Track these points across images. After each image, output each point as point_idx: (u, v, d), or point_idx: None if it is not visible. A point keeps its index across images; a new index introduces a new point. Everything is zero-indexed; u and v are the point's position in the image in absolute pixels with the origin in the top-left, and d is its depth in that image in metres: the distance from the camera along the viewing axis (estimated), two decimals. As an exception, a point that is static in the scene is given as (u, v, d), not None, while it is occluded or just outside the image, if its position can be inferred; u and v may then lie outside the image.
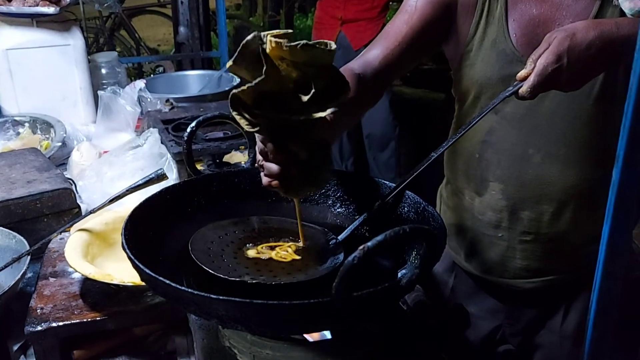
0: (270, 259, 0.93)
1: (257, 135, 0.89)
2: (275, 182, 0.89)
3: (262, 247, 0.96)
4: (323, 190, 1.15)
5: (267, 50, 0.78)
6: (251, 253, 0.95)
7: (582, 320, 1.28)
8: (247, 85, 0.78)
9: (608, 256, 0.67)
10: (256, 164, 0.93)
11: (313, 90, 0.79)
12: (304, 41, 0.77)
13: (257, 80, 0.78)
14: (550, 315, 1.32)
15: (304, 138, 0.85)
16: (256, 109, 0.80)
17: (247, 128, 0.82)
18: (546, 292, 1.29)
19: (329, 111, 0.80)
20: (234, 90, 0.80)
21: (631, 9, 0.99)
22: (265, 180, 0.91)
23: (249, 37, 0.78)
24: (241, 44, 0.78)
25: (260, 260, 0.93)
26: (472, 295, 1.39)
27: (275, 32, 0.80)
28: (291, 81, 0.81)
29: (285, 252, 0.95)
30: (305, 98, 0.79)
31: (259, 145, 0.90)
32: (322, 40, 0.79)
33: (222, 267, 0.90)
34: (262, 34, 0.80)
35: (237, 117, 0.81)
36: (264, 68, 0.77)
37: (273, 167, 0.88)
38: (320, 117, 0.81)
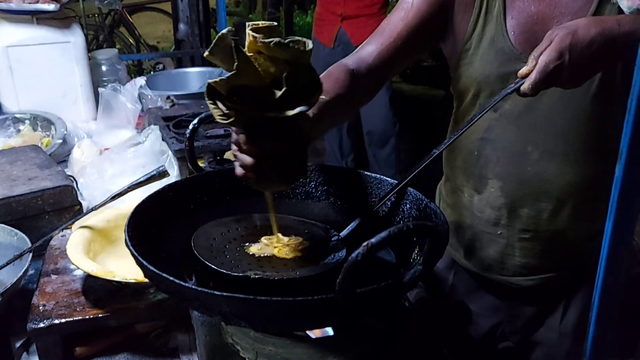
0: (273, 255, 0.94)
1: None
2: (248, 174, 0.89)
3: (264, 244, 0.96)
4: (325, 187, 1.15)
5: (247, 43, 0.78)
6: (254, 249, 0.95)
7: (581, 317, 1.28)
8: (219, 78, 0.78)
9: (610, 253, 0.67)
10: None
11: (284, 88, 0.79)
12: (278, 39, 0.76)
13: (228, 75, 0.78)
14: (550, 313, 1.32)
15: (277, 133, 0.84)
16: (230, 101, 0.80)
17: (220, 119, 0.81)
18: (545, 289, 1.29)
19: (298, 110, 0.80)
20: (209, 80, 0.80)
21: (629, 7, 0.99)
22: (238, 170, 0.90)
23: (224, 31, 0.78)
24: (217, 36, 0.78)
25: (262, 256, 0.93)
26: (472, 293, 1.39)
27: (259, 23, 0.80)
28: (269, 75, 0.80)
29: (287, 248, 0.95)
30: (277, 94, 0.79)
31: (233, 136, 0.89)
32: (298, 39, 0.78)
33: (225, 263, 0.90)
34: (247, 24, 0.80)
35: (212, 107, 0.81)
36: (235, 64, 0.77)
37: (246, 158, 0.87)
38: (290, 115, 0.80)
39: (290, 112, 0.80)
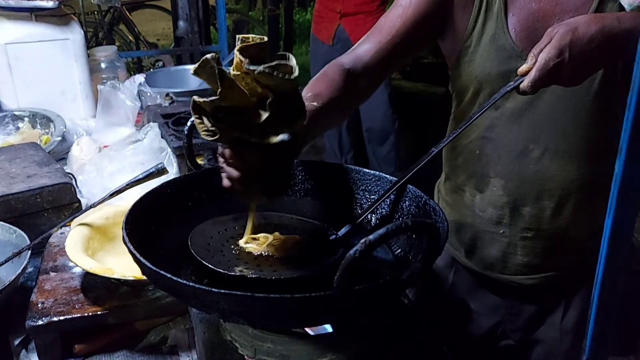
0: (271, 254, 0.93)
1: None
2: (234, 186, 0.89)
3: (262, 243, 0.96)
4: (324, 184, 1.15)
5: (234, 62, 0.79)
6: (251, 248, 0.95)
7: (583, 316, 1.28)
8: (203, 100, 0.79)
9: (610, 249, 0.67)
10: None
11: (267, 114, 0.79)
12: (262, 68, 0.76)
13: (212, 99, 0.79)
14: (551, 311, 1.32)
15: (261, 151, 0.85)
16: (215, 119, 0.81)
17: (204, 135, 0.82)
18: (547, 288, 1.29)
19: (279, 138, 0.80)
20: (195, 98, 0.80)
21: (630, 4, 0.99)
22: (225, 182, 0.90)
23: (207, 56, 0.78)
24: (201, 59, 0.78)
25: (260, 255, 0.93)
26: (472, 292, 1.39)
27: (250, 37, 0.79)
28: (255, 94, 0.80)
29: (285, 247, 0.95)
30: (263, 116, 0.80)
31: (219, 149, 0.90)
32: (285, 64, 0.77)
33: (222, 262, 0.90)
34: (237, 37, 0.80)
35: (197, 123, 0.82)
36: (219, 89, 0.77)
37: (232, 171, 0.88)
38: (271, 143, 0.81)
39: (272, 140, 0.81)
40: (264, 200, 0.95)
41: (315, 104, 1.00)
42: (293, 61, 0.78)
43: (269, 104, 0.79)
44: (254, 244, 0.95)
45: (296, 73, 0.78)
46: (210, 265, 0.87)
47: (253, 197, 0.93)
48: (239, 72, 0.79)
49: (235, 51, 0.79)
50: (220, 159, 0.90)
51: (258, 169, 0.86)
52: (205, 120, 0.81)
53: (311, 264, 0.91)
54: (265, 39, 0.80)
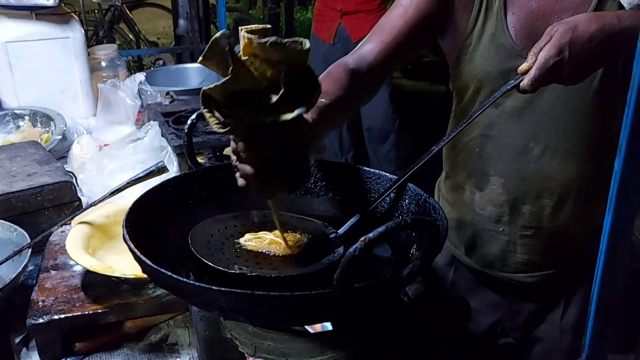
0: (271, 252, 0.93)
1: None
2: (251, 183, 0.87)
3: (262, 241, 0.96)
4: (324, 183, 1.15)
5: (242, 46, 0.77)
6: (251, 246, 0.95)
7: (582, 314, 1.28)
8: (214, 84, 0.77)
9: (610, 246, 0.67)
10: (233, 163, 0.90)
11: (282, 91, 0.77)
12: (274, 38, 0.75)
13: (223, 80, 0.76)
14: (551, 309, 1.32)
15: (277, 138, 0.82)
16: (227, 107, 0.78)
17: (216, 128, 0.79)
18: (546, 286, 1.29)
19: (296, 112, 0.78)
20: (204, 87, 0.78)
21: (630, 2, 0.99)
22: (240, 181, 0.88)
23: (217, 34, 0.76)
24: (210, 40, 0.76)
25: (260, 253, 0.93)
26: (472, 290, 1.39)
27: (252, 26, 0.78)
28: (265, 79, 0.78)
29: (285, 245, 0.95)
30: (274, 98, 0.77)
31: (232, 145, 0.88)
32: (295, 39, 0.76)
33: (222, 260, 0.90)
34: (240, 28, 0.78)
35: (208, 116, 0.79)
36: (231, 67, 0.75)
37: (247, 168, 0.85)
38: (289, 119, 0.78)
39: (289, 116, 0.78)
40: (285, 193, 0.92)
41: (323, 100, 1.00)
42: (304, 39, 0.77)
43: (282, 79, 0.77)
44: (254, 242, 0.95)
45: (308, 46, 0.76)
46: (210, 263, 0.87)
47: (273, 192, 0.90)
48: (247, 57, 0.77)
49: (243, 32, 0.76)
50: (233, 157, 0.88)
51: (275, 157, 0.83)
52: (216, 113, 0.79)
53: (311, 262, 0.91)
54: (269, 26, 0.79)
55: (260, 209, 1.06)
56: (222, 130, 0.80)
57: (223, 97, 0.78)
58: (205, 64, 0.79)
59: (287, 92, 0.77)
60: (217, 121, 0.79)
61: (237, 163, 0.88)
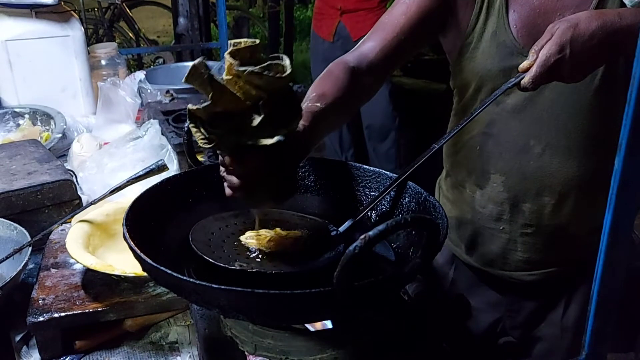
0: (271, 250, 0.94)
1: None
2: (236, 194, 0.87)
3: (263, 238, 0.96)
4: (324, 181, 1.15)
5: (226, 66, 0.78)
6: (252, 244, 0.95)
7: (583, 313, 1.28)
8: (196, 107, 0.78)
9: (609, 245, 0.67)
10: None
11: (262, 117, 0.78)
12: (251, 68, 0.75)
13: (204, 105, 0.77)
14: (551, 308, 1.32)
15: (261, 154, 0.83)
16: (211, 126, 0.79)
17: (202, 143, 0.81)
18: (547, 284, 1.29)
19: (275, 139, 0.79)
20: (189, 106, 0.79)
21: (631, 0, 0.99)
22: (227, 191, 0.89)
23: (196, 62, 0.77)
24: (190, 67, 0.77)
25: (261, 251, 0.93)
26: (473, 288, 1.39)
27: (242, 41, 0.79)
28: (249, 98, 0.79)
29: (286, 243, 0.95)
30: (254, 122, 0.78)
31: (219, 157, 0.88)
32: (275, 63, 0.76)
33: (223, 257, 0.90)
34: (229, 42, 0.79)
35: (194, 131, 0.80)
36: (210, 94, 0.76)
37: (233, 179, 0.86)
38: (268, 145, 0.79)
39: (268, 142, 0.79)
40: (271, 205, 0.93)
41: (319, 104, 1.00)
42: (286, 61, 0.77)
43: (262, 105, 0.78)
44: (255, 239, 0.95)
45: (288, 71, 0.76)
46: (211, 260, 0.87)
47: (259, 203, 0.92)
48: (230, 77, 0.78)
49: (226, 54, 0.78)
50: (222, 169, 0.88)
51: (261, 173, 0.84)
52: (201, 128, 0.80)
53: (312, 260, 0.91)
54: (257, 41, 0.79)
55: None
56: (207, 146, 0.81)
57: (207, 116, 0.79)
58: (189, 83, 0.80)
59: (267, 117, 0.78)
60: (202, 136, 0.80)
61: (224, 174, 0.88)
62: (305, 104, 0.99)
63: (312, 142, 0.96)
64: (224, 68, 0.80)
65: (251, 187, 0.86)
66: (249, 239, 0.96)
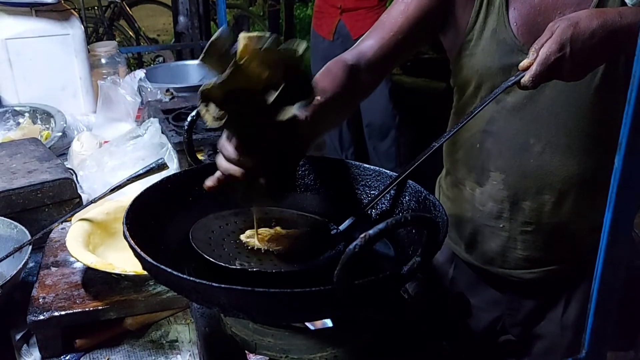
0: (272, 248, 0.94)
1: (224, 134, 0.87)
2: (234, 185, 0.86)
3: (263, 237, 0.96)
4: (324, 179, 1.15)
5: (239, 49, 0.77)
6: (252, 242, 0.95)
7: (583, 311, 1.28)
8: (211, 83, 0.77)
9: (609, 244, 0.67)
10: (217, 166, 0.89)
11: (276, 93, 0.78)
12: (269, 44, 0.75)
13: (220, 79, 0.77)
14: (551, 306, 1.32)
15: (270, 140, 0.83)
16: (225, 103, 0.79)
17: (210, 122, 0.80)
18: (547, 282, 1.29)
19: (292, 112, 0.78)
20: (203, 86, 0.79)
21: None
22: (208, 182, 0.88)
23: (215, 35, 0.77)
24: (209, 41, 0.77)
25: (261, 249, 0.93)
26: (473, 286, 1.39)
27: (251, 33, 0.79)
28: (261, 82, 0.79)
29: (286, 241, 0.95)
30: (269, 100, 0.78)
31: (221, 142, 0.86)
32: (291, 43, 0.77)
33: (223, 256, 0.90)
34: (241, 35, 0.79)
35: (203, 112, 0.80)
36: (228, 67, 0.76)
37: (233, 168, 0.84)
38: (284, 119, 0.79)
39: (285, 115, 0.79)
40: (268, 202, 0.92)
41: (318, 98, 1.00)
42: (302, 43, 0.78)
43: (277, 84, 0.78)
44: (256, 238, 0.95)
45: (302, 50, 0.77)
46: (211, 259, 0.87)
47: (257, 198, 0.90)
48: (244, 60, 0.77)
49: (241, 35, 0.77)
50: (221, 162, 0.86)
51: (264, 164, 0.84)
52: (211, 106, 0.79)
53: (312, 258, 0.91)
54: (268, 34, 0.80)
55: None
56: (216, 125, 0.80)
57: (221, 95, 0.79)
58: (205, 63, 0.79)
59: (283, 92, 0.78)
60: (212, 116, 0.80)
61: (224, 163, 0.86)
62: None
63: (312, 137, 0.96)
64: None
65: (253, 179, 0.85)
66: (250, 237, 0.96)
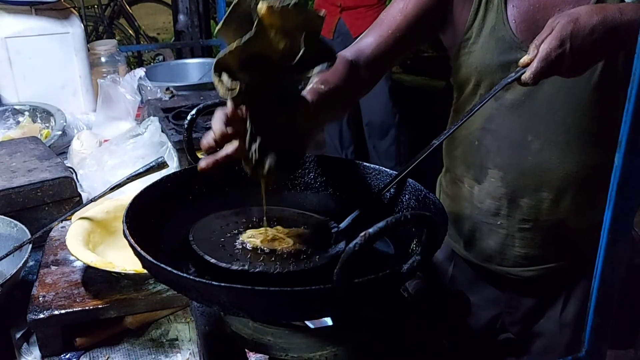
0: (272, 248, 0.93)
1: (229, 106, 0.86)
2: (241, 156, 0.86)
3: (264, 237, 0.96)
4: (324, 178, 1.15)
5: (263, 9, 0.76)
6: (253, 242, 0.95)
7: (582, 309, 1.28)
8: (235, 44, 0.76)
9: (609, 242, 0.67)
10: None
11: (303, 50, 0.77)
12: (293, 3, 0.75)
13: (246, 38, 0.75)
14: (550, 304, 1.32)
15: (280, 111, 0.82)
16: (243, 70, 0.78)
17: (222, 92, 0.79)
18: (545, 280, 1.29)
19: (317, 69, 0.79)
20: (219, 55, 0.78)
21: None
22: (202, 163, 0.88)
23: None
24: (232, 4, 0.76)
25: (262, 249, 0.93)
26: (472, 284, 1.39)
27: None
28: (282, 45, 0.78)
29: (286, 241, 0.95)
30: (295, 59, 0.77)
31: (228, 108, 0.85)
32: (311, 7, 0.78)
33: (224, 256, 0.90)
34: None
35: (216, 81, 0.79)
36: (254, 26, 0.75)
37: (237, 142, 0.84)
38: (309, 76, 0.79)
39: (309, 73, 0.78)
40: (276, 176, 0.89)
41: (322, 87, 1.00)
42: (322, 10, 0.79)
43: (302, 40, 0.77)
44: (256, 238, 0.95)
45: (323, 12, 0.78)
46: (212, 260, 0.87)
47: (267, 173, 0.88)
48: (267, 21, 0.76)
49: (261, 3, 0.76)
50: (215, 127, 0.85)
51: (275, 135, 0.83)
52: (224, 76, 0.78)
53: (313, 258, 0.91)
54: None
55: (259, 205, 1.06)
56: (227, 95, 0.79)
57: (237, 63, 0.78)
58: (223, 32, 0.78)
59: (304, 57, 0.77)
60: (224, 87, 0.79)
61: (224, 131, 0.86)
62: (309, 86, 1.00)
63: (317, 121, 0.97)
64: None
65: (263, 150, 0.84)
66: (250, 237, 0.96)
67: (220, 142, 0.88)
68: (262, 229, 0.97)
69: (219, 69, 0.79)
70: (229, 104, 0.85)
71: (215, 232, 0.96)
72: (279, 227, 0.97)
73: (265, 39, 0.77)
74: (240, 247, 0.93)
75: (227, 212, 1.02)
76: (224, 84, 0.79)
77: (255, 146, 0.85)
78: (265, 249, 0.93)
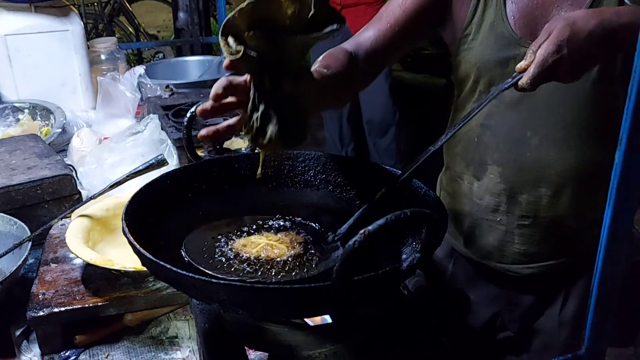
0: (267, 257, 0.93)
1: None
2: (244, 124, 0.86)
3: (256, 245, 0.95)
4: (324, 176, 1.14)
5: None
6: (247, 251, 0.94)
7: (581, 307, 1.28)
8: (246, 2, 0.76)
9: (609, 240, 0.67)
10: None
11: (313, 10, 0.77)
12: None
13: (246, 5, 0.76)
14: (550, 302, 1.32)
15: (286, 79, 0.83)
16: (249, 29, 0.78)
17: (228, 55, 0.79)
18: (545, 277, 1.29)
19: (329, 29, 0.79)
20: (229, 16, 0.78)
21: None
22: (203, 131, 0.90)
23: None
24: None
25: (257, 258, 0.92)
26: (471, 282, 1.39)
27: None
28: (288, 14, 0.78)
29: (282, 250, 0.94)
30: (309, 15, 0.78)
31: (229, 78, 0.86)
32: None
33: (220, 267, 0.89)
34: None
35: (223, 44, 0.79)
36: None
37: (239, 110, 0.85)
38: (320, 35, 0.80)
39: (319, 34, 0.79)
40: (276, 146, 0.89)
41: (325, 70, 1.01)
42: None
43: (312, 3, 0.77)
44: (251, 247, 0.95)
45: None
46: (208, 272, 0.86)
47: (265, 140, 0.88)
48: None
49: None
50: (216, 86, 0.86)
51: (278, 103, 0.83)
52: (230, 39, 0.78)
53: (308, 267, 0.91)
54: None
55: (255, 208, 1.05)
56: (233, 58, 0.79)
57: (245, 25, 0.78)
58: None
59: (316, 15, 0.78)
60: (229, 50, 0.79)
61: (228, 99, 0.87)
62: (314, 67, 1.02)
63: (319, 100, 0.97)
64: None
65: (266, 116, 0.85)
66: (244, 246, 0.95)
67: (215, 103, 0.89)
68: (253, 237, 0.96)
69: (226, 31, 0.79)
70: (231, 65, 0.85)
71: (208, 242, 0.96)
72: (269, 235, 0.97)
73: (276, 1, 0.77)
74: (235, 256, 0.93)
75: (218, 222, 1.02)
76: (230, 47, 0.79)
77: (257, 114, 0.85)
78: (258, 257, 0.92)
